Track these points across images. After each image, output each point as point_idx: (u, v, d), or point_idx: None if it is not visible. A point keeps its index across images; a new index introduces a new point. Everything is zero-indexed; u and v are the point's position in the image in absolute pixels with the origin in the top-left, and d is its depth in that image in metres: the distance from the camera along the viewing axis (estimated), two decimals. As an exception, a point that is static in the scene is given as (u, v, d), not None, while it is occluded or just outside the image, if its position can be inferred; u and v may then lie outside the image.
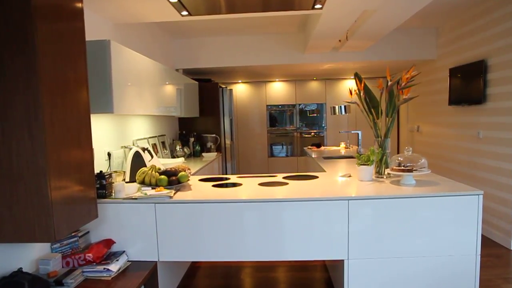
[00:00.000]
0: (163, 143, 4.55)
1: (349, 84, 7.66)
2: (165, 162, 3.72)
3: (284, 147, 8.03)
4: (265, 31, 5.21)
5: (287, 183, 2.74)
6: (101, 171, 2.44)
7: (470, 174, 4.38)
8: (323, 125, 7.87)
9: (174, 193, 2.47)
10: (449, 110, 4.83)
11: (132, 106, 2.85)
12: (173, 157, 4.70)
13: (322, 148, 5.61)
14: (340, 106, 5.52)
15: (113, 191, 2.46)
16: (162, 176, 2.59)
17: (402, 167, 2.56)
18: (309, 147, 5.71)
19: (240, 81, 7.78)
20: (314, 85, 7.75)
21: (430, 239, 2.28)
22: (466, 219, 2.27)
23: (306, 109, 7.89)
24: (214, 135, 5.47)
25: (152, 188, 2.53)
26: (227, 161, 5.75)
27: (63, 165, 1.78)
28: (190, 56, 5.44)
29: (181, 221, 2.34)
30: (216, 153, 5.13)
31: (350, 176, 2.95)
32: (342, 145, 5.55)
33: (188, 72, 5.80)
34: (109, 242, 2.37)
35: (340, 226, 2.28)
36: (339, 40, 4.61)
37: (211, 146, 5.36)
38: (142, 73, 3.12)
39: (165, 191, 2.43)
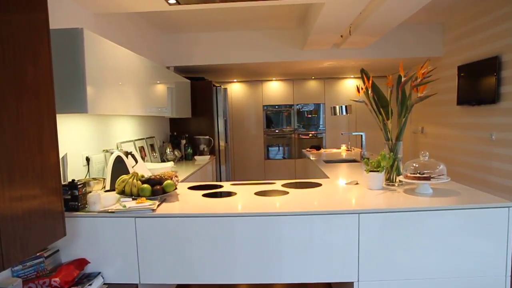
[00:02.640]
0: (151, 145, 4.23)
1: (349, 83, 7.37)
2: (152, 167, 3.40)
3: (281, 149, 7.72)
4: (261, 27, 4.90)
5: (287, 192, 2.43)
6: (73, 180, 2.11)
7: (482, 179, 4.09)
8: (321, 126, 7.57)
9: (158, 205, 2.15)
10: (458, 110, 4.55)
11: (112, 106, 2.53)
12: (162, 160, 4.38)
13: (322, 150, 5.31)
14: (341, 106, 5.23)
15: (87, 203, 2.13)
16: (145, 185, 2.27)
17: (418, 175, 2.26)
18: (308, 149, 5.41)
19: (235, 80, 7.47)
20: (312, 85, 7.45)
21: (453, 259, 1.98)
22: (493, 235, 1.97)
23: (304, 109, 7.59)
24: (207, 137, 5.15)
25: (133, 199, 2.21)
26: (221, 164, 5.44)
27: (16, 173, 1.46)
28: (181, 53, 5.12)
29: (165, 238, 2.02)
30: (209, 156, 4.81)
31: (357, 183, 2.64)
32: (343, 147, 5.25)
33: (179, 70, 5.48)
34: (82, 263, 2.05)
35: (350, 243, 1.98)
36: (341, 36, 4.32)
37: (204, 148, 5.04)
38: (125, 68, 2.80)
39: (147, 203, 2.11)
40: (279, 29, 4.99)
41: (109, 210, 2.05)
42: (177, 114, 4.37)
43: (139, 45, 4.10)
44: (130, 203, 2.14)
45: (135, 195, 2.28)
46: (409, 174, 2.30)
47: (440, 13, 4.41)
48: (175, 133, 5.03)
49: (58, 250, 2.07)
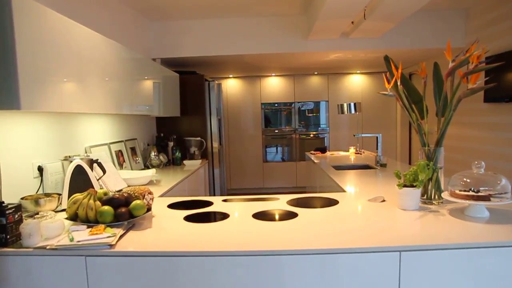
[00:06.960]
0: (132, 149, 3.64)
1: (355, 79, 6.81)
2: (128, 176, 2.81)
3: (281, 150, 7.14)
4: (260, 13, 4.32)
5: (295, 214, 1.85)
6: (1, 203, 1.52)
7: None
8: (324, 126, 7.00)
9: (121, 236, 1.57)
10: (485, 108, 3.98)
11: (66, 102, 1.94)
12: (146, 166, 3.80)
13: (328, 153, 4.74)
14: (349, 104, 4.66)
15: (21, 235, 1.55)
16: (105, 208, 1.68)
17: (472, 193, 1.68)
18: (312, 152, 4.83)
19: (231, 75, 6.88)
20: (315, 81, 6.87)
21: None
22: None
23: (306, 107, 7.01)
24: (198, 138, 4.57)
25: (88, 227, 1.63)
26: (214, 168, 4.85)
27: None
28: (169, 43, 4.53)
29: (127, 285, 1.44)
30: (200, 160, 4.23)
31: (383, 200, 2.07)
32: (352, 150, 4.68)
33: (167, 63, 4.89)
34: (12, 319, 1.46)
35: (387, 294, 1.40)
36: (352, 22, 3.74)
37: (195, 151, 4.46)
38: (89, 54, 2.21)
39: (104, 234, 1.53)
40: (281, 15, 4.41)
41: (48, 246, 1.46)
42: (164, 113, 3.80)
43: (120, 33, 3.51)
44: (81, 233, 1.56)
45: (92, 221, 1.69)
46: (458, 192, 1.73)
47: (464, -4, 3.85)
48: (161, 134, 4.44)
49: (-22, 302, 1.49)
